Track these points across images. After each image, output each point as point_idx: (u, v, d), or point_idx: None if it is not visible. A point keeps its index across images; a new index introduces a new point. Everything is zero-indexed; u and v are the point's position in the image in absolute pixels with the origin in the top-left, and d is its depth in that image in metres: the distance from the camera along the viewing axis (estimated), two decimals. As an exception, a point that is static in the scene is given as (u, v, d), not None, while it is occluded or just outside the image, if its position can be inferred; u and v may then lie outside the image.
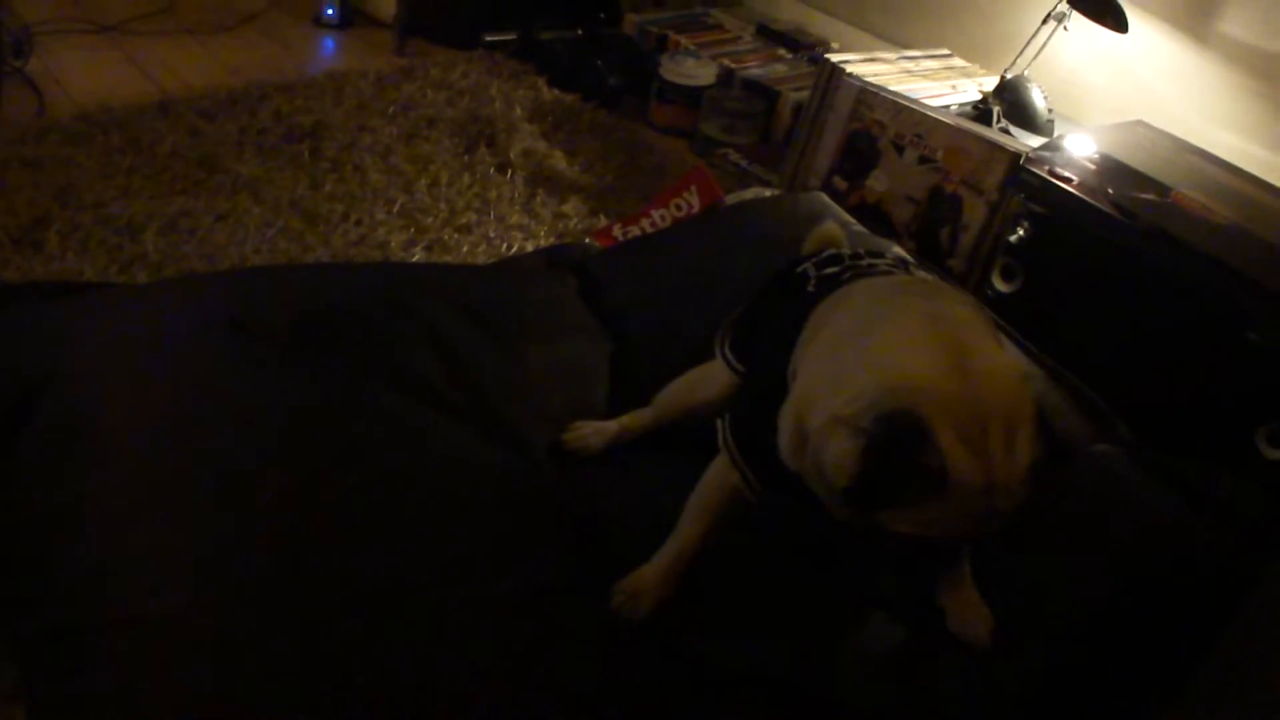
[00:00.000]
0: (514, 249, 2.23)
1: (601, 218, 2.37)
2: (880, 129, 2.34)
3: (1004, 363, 1.04)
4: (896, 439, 0.96)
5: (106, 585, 1.11)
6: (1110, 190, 1.98)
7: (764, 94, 2.91)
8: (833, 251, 1.37)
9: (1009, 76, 2.53)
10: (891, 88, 2.39)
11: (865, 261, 1.30)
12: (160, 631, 1.06)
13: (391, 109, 2.73)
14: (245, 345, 1.39)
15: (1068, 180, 2.02)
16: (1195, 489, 1.65)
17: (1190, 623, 1.34)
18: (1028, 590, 1.31)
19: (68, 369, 1.35)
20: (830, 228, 1.56)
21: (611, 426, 1.49)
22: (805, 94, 2.68)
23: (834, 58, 2.48)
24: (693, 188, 2.16)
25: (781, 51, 3.19)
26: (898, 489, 0.98)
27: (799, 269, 1.34)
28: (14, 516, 1.25)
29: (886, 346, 1.04)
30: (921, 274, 1.37)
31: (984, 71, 2.75)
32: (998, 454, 0.97)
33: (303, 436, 1.29)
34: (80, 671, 1.04)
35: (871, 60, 2.58)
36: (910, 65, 2.64)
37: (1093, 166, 2.06)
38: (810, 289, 1.27)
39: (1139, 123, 2.33)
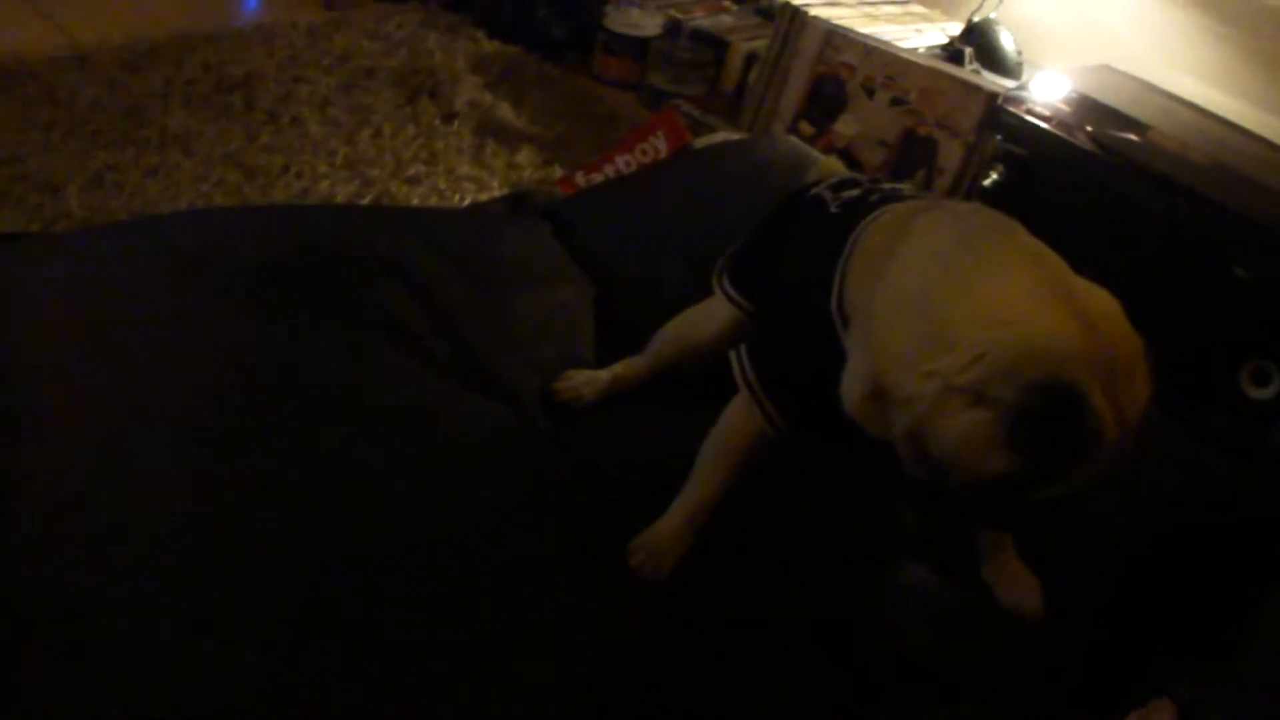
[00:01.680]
0: (467, 200, 2.11)
1: (557, 168, 2.26)
2: (849, 72, 2.25)
3: (1109, 299, 0.95)
4: (1055, 411, 0.86)
5: (68, 569, 0.95)
6: (1089, 129, 1.94)
7: (713, 44, 2.81)
8: (846, 175, 1.28)
9: (976, 20, 2.47)
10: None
11: (887, 185, 1.21)
12: (141, 615, 0.92)
13: (327, 60, 2.58)
14: (210, 288, 1.24)
15: (1046, 119, 1.98)
16: (1200, 423, 1.62)
17: (1218, 560, 1.30)
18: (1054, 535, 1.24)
19: (5, 322, 1.20)
20: (834, 161, 1.47)
21: (604, 375, 1.38)
22: (757, 44, 2.59)
23: (795, 0, 2.39)
24: (660, 132, 2.05)
25: (727, 3, 3.09)
26: (1061, 464, 0.89)
27: (811, 193, 1.25)
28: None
29: (998, 300, 0.91)
30: (952, 201, 1.29)
31: (944, 17, 2.69)
32: (1126, 400, 0.89)
33: (278, 391, 1.16)
34: (40, 673, 0.88)
35: (831, 4, 2.50)
36: (871, 10, 2.57)
37: (1069, 107, 2.02)
38: (833, 210, 1.17)
39: (1105, 67, 2.29)
